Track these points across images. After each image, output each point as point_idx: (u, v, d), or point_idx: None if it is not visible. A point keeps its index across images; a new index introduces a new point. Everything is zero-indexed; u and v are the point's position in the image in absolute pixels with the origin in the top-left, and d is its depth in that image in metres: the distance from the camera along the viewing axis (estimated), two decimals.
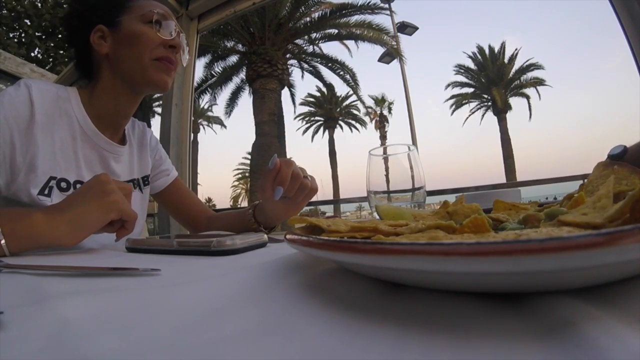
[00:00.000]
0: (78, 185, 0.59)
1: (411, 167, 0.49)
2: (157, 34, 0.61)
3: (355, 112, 19.23)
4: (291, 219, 0.29)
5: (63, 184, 0.58)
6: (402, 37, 8.04)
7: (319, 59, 9.46)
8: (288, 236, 0.21)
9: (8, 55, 3.08)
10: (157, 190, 0.80)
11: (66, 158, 0.58)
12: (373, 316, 0.14)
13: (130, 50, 0.60)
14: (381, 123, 18.48)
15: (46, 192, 0.55)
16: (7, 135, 0.53)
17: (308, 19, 8.19)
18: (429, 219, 0.28)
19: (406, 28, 7.44)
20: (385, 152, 0.51)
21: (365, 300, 0.16)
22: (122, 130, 0.69)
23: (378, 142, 18.76)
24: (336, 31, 8.32)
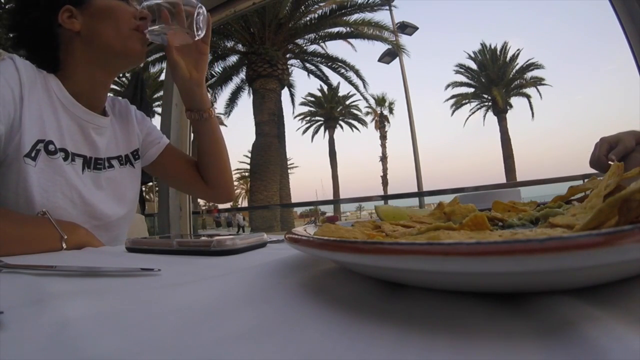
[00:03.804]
0: (61, 152, 0.59)
1: None
2: (128, 5, 0.63)
3: (356, 111, 19.22)
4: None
5: (51, 147, 0.58)
6: (403, 38, 8.04)
7: (319, 58, 9.46)
8: (288, 236, 0.21)
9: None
10: (151, 160, 0.79)
11: (50, 124, 0.59)
12: (373, 316, 0.14)
13: (108, 23, 0.61)
14: (381, 123, 18.47)
15: (33, 154, 0.56)
16: (10, 94, 0.54)
17: (308, 18, 8.19)
18: (426, 220, 0.28)
19: (406, 28, 7.44)
20: None
21: (365, 300, 0.16)
22: (99, 107, 0.69)
23: (378, 142, 18.77)
24: (337, 30, 8.31)
